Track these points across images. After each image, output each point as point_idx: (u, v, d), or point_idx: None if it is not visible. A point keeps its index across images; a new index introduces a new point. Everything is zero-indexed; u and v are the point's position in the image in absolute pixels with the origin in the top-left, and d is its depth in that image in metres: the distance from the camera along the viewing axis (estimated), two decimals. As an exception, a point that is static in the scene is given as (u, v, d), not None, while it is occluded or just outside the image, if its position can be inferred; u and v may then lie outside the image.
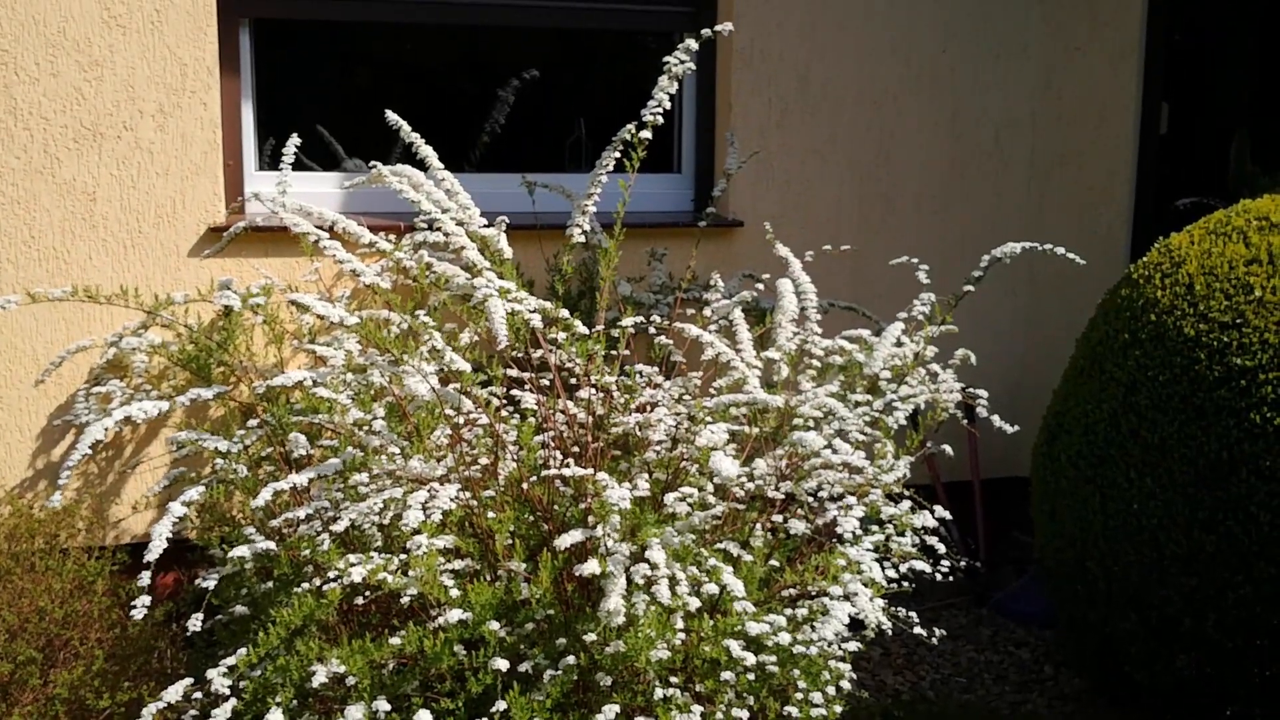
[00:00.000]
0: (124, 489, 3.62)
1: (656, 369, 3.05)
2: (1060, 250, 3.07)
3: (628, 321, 2.99)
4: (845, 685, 2.88)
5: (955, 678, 3.77)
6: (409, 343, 2.84)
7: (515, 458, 2.85)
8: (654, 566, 2.46)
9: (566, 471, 2.59)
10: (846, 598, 2.67)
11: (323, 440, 2.93)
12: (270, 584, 2.73)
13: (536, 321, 2.68)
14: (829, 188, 4.34)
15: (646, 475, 2.83)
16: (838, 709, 2.84)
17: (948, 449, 3.29)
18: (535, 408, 2.99)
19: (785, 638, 2.58)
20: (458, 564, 2.74)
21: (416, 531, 2.53)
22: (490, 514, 2.66)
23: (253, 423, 2.92)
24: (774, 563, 2.92)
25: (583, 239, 2.94)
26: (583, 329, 2.83)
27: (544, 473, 2.67)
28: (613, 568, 2.47)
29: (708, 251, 4.09)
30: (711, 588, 2.54)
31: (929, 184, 4.47)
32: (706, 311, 3.49)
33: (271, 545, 2.49)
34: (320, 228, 2.94)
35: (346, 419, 2.85)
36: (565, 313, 2.78)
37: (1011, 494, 4.48)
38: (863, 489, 3.00)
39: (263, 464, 3.00)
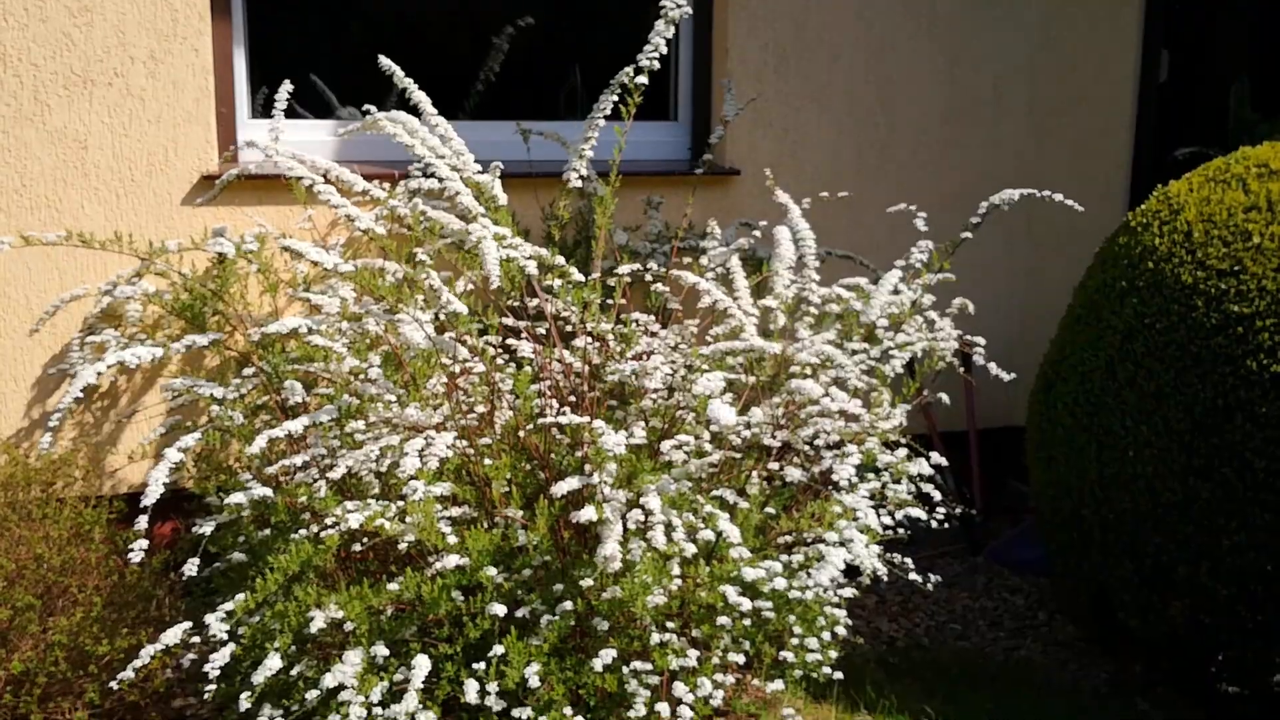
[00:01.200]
0: (120, 438, 3.62)
1: (653, 318, 3.05)
2: (1058, 197, 3.05)
3: (624, 269, 2.98)
4: (841, 631, 2.90)
5: (950, 624, 3.80)
6: (404, 291, 2.83)
7: (511, 406, 2.85)
8: (649, 513, 2.46)
9: (563, 419, 2.59)
10: (843, 544, 2.68)
11: (319, 389, 2.93)
12: (268, 531, 2.73)
13: (532, 269, 2.67)
14: (825, 135, 4.31)
15: (643, 423, 2.83)
16: (833, 654, 2.86)
17: (944, 398, 3.30)
18: (531, 356, 2.99)
19: (781, 583, 2.59)
20: (455, 511, 2.75)
21: (413, 478, 2.53)
22: (487, 461, 2.66)
23: (248, 371, 2.92)
24: (770, 510, 2.93)
25: (579, 184, 2.92)
26: (579, 276, 2.82)
27: (540, 421, 2.67)
28: (609, 514, 2.48)
29: (704, 200, 4.07)
30: (708, 534, 2.55)
31: (927, 132, 4.44)
32: (703, 260, 3.48)
33: (268, 492, 2.49)
34: (314, 175, 2.92)
35: (342, 367, 2.85)
36: (561, 260, 2.76)
37: (1008, 443, 4.49)
38: (859, 437, 3.01)
39: (259, 412, 3.00)
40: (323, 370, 2.94)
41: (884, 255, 3.97)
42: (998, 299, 4.54)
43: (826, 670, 2.84)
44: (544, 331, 3.06)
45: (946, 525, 3.14)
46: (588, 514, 2.43)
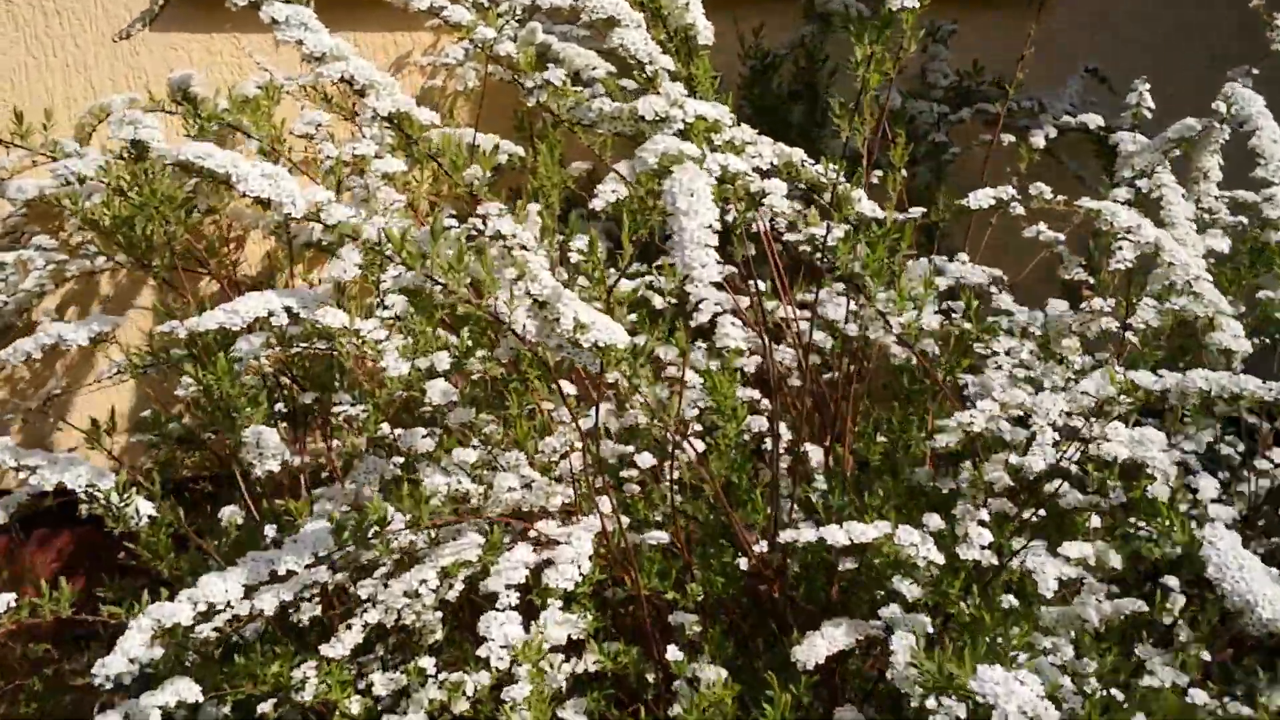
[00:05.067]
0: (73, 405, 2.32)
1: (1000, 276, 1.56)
2: None
3: (981, 196, 1.46)
4: None
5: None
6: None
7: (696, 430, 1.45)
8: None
9: (806, 534, 1.16)
10: None
11: (342, 404, 1.53)
12: None
13: (780, 202, 1.20)
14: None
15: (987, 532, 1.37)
16: None
17: None
18: (740, 344, 1.53)
19: None
20: (591, 660, 1.38)
21: (514, 663, 1.16)
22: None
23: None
24: None
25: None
26: (870, 207, 1.33)
27: (778, 538, 1.25)
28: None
29: (1000, 27, 2.48)
30: None
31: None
32: (1034, 140, 1.96)
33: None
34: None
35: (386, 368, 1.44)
36: (838, 179, 1.28)
37: None
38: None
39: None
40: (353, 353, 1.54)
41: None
42: None
43: None
44: (762, 285, 1.60)
45: None
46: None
